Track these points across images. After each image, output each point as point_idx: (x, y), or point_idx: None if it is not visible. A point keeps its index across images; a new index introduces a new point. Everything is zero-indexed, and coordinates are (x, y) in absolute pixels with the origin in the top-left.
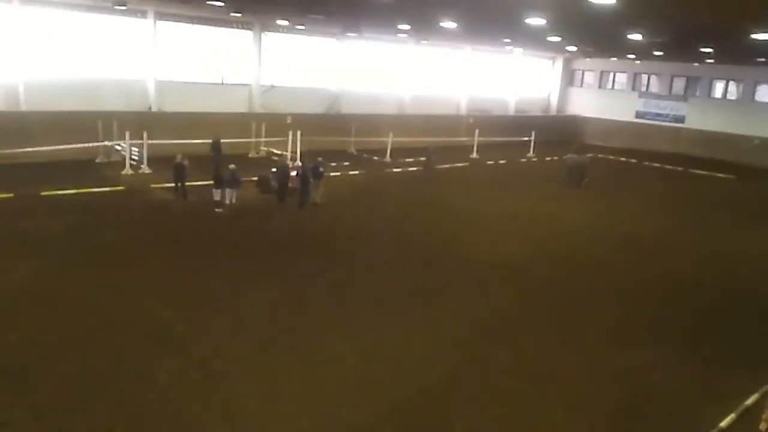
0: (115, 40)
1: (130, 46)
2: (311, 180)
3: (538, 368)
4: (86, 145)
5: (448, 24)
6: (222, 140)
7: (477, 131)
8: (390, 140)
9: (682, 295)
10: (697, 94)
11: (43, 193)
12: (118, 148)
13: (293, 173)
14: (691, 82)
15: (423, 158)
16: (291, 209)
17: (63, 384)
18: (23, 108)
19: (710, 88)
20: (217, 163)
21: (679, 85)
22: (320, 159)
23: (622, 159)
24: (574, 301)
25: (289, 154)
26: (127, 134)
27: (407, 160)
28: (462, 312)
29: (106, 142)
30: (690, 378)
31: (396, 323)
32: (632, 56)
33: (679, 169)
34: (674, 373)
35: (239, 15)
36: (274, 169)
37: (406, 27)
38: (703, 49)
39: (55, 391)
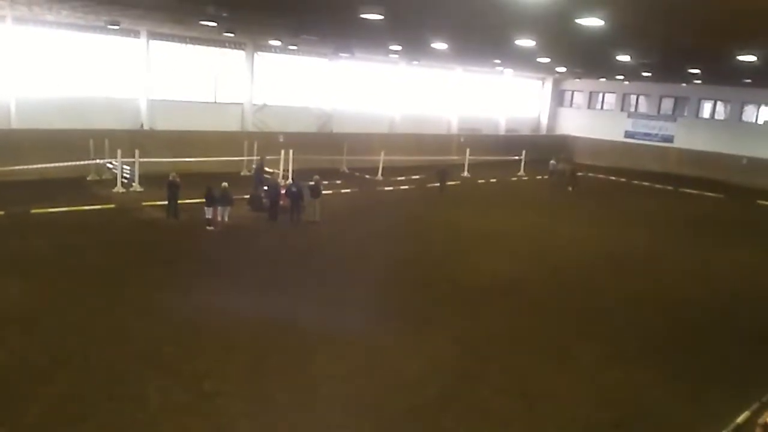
0: (107, 59)
1: (123, 65)
2: (310, 198)
3: (529, 386)
4: (78, 163)
5: (439, 45)
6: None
7: (468, 150)
8: (382, 159)
9: (672, 313)
10: (686, 114)
11: (33, 211)
12: (110, 166)
13: (283, 191)
14: (679, 102)
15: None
16: (282, 227)
17: (52, 405)
18: (14, 126)
19: (698, 108)
20: (257, 184)
21: (667, 105)
22: (317, 177)
23: (612, 178)
24: (564, 319)
25: (281, 173)
26: (119, 152)
27: (399, 178)
28: (453, 331)
29: (98, 160)
30: (681, 395)
31: (387, 342)
32: (621, 77)
33: (669, 188)
34: (666, 391)
35: (232, 35)
36: (265, 187)
37: (398, 48)
38: (690, 70)
39: (43, 413)
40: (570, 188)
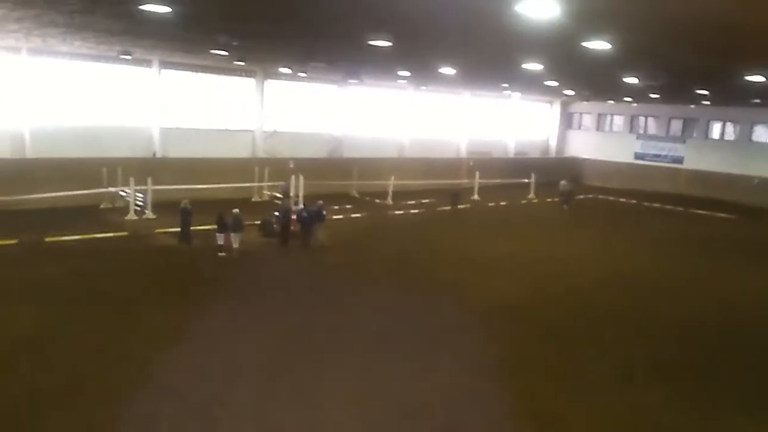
0: (120, 88)
1: (135, 94)
2: (316, 223)
3: (542, 409)
4: (91, 191)
5: (447, 70)
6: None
7: (477, 173)
8: (391, 183)
9: (686, 335)
10: (695, 135)
11: (47, 239)
12: (123, 194)
13: (293, 216)
14: (688, 123)
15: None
16: (293, 252)
17: (61, 431)
18: (29, 155)
19: (707, 129)
20: (285, 209)
21: (676, 126)
22: (320, 202)
23: (622, 200)
24: (576, 342)
25: (292, 198)
26: (132, 180)
27: (409, 202)
28: (463, 354)
29: (111, 188)
30: (695, 419)
31: (396, 366)
32: (629, 99)
33: (679, 209)
34: (681, 414)
35: (242, 63)
36: (276, 213)
37: (406, 74)
38: (699, 91)
39: None
40: (565, 207)
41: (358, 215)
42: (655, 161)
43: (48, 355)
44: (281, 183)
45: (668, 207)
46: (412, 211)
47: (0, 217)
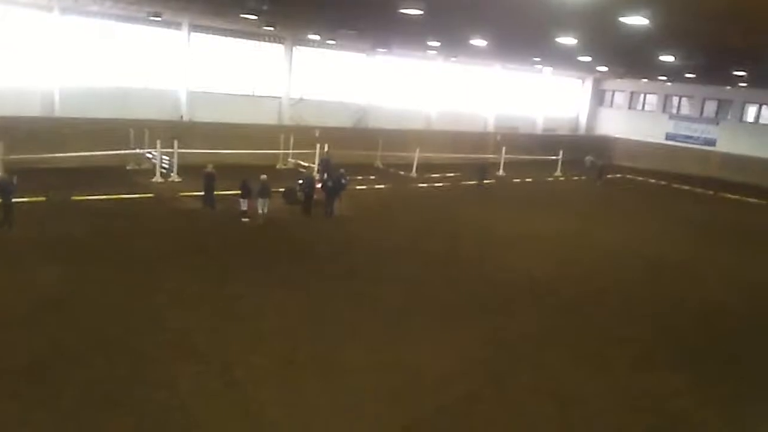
0: (149, 50)
1: (164, 56)
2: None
3: (561, 389)
4: (118, 152)
5: (478, 42)
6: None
7: (504, 149)
8: (416, 155)
9: (710, 320)
10: (729, 117)
11: (74, 198)
12: (149, 156)
13: (318, 185)
14: (722, 105)
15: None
16: (317, 220)
17: (87, 389)
18: (58, 114)
19: (742, 111)
20: (309, 178)
21: (710, 107)
22: (342, 170)
23: (652, 180)
24: (599, 323)
25: (316, 167)
26: (158, 143)
27: (433, 175)
28: (484, 330)
29: (138, 150)
30: (716, 404)
31: (417, 338)
32: (663, 78)
33: (710, 192)
34: (701, 400)
35: (272, 29)
36: (300, 181)
37: (436, 44)
38: (736, 72)
39: (78, 396)
40: (598, 183)
41: (381, 186)
42: (687, 143)
43: (72, 313)
44: (306, 151)
45: (698, 190)
46: (437, 184)
47: (29, 174)
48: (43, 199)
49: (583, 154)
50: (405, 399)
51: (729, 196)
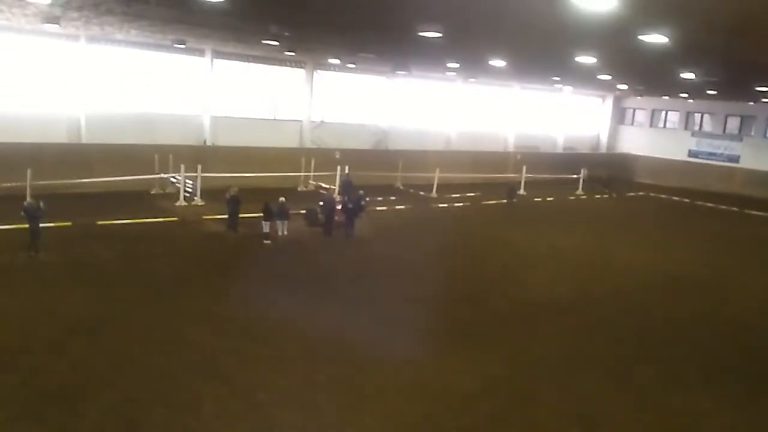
0: (173, 76)
1: (188, 82)
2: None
3: (586, 410)
4: (142, 177)
5: (497, 62)
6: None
7: (524, 168)
8: (437, 176)
9: (735, 339)
10: (752, 133)
11: (99, 222)
12: (173, 180)
13: (339, 206)
14: (746, 121)
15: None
16: (337, 242)
17: (109, 410)
18: (84, 140)
19: (766, 127)
20: (347, 198)
21: (733, 124)
22: (361, 192)
23: (675, 198)
24: (624, 341)
25: (336, 189)
26: (182, 167)
27: (454, 195)
28: (507, 350)
29: (162, 174)
30: (744, 425)
31: (439, 359)
32: (685, 95)
33: (734, 209)
34: (731, 420)
35: (293, 54)
36: (321, 203)
37: (455, 65)
38: (758, 88)
39: (101, 418)
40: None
41: (402, 207)
42: (710, 160)
43: (97, 334)
44: (327, 173)
45: (722, 207)
46: (457, 204)
47: (55, 200)
48: (69, 224)
49: (605, 172)
50: (429, 420)
51: (754, 212)
